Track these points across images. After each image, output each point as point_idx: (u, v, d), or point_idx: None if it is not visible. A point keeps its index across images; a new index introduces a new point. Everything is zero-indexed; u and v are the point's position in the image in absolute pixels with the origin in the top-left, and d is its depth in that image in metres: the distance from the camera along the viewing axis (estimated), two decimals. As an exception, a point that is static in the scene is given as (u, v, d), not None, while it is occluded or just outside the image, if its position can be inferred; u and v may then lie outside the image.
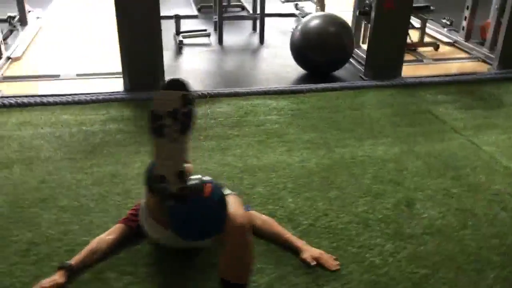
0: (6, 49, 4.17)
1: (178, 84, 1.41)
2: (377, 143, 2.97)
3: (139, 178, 2.53)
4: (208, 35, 4.99)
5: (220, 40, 4.92)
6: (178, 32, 4.87)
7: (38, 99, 3.33)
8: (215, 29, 5.11)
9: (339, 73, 4.15)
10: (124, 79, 3.56)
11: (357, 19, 4.48)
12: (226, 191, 1.81)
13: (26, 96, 3.38)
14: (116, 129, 3.07)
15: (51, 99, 3.35)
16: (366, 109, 3.48)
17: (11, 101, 3.29)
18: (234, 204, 1.66)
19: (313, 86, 3.76)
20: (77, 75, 3.84)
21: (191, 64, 4.37)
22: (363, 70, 4.09)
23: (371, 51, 3.98)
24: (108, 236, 1.99)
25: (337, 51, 4.03)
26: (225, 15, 5.25)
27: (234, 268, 1.58)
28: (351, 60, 4.32)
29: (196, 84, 3.83)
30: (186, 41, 4.82)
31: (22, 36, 4.59)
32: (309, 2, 6.15)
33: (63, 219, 2.19)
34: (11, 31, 4.73)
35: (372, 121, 3.28)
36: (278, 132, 3.08)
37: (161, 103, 1.38)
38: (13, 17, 4.83)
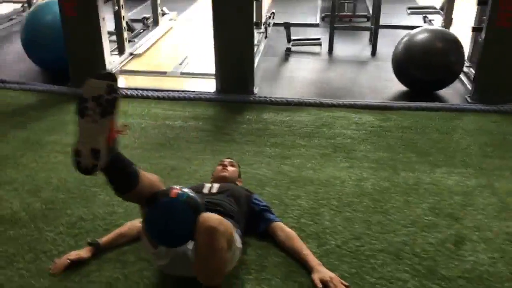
0: (132, 46, 4.68)
1: (108, 76, 1.55)
2: (452, 172, 2.70)
3: (194, 174, 2.69)
4: (320, 44, 4.98)
5: (330, 50, 4.89)
6: (288, 40, 4.95)
7: (139, 92, 3.70)
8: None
9: (444, 92, 3.84)
10: (216, 81, 3.75)
11: (473, 36, 4.09)
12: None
13: (131, 89, 3.77)
14: (194, 126, 3.26)
15: (149, 93, 3.69)
16: (457, 134, 3.16)
17: (125, 92, 3.69)
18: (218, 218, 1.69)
19: (405, 104, 3.54)
20: (181, 73, 4.16)
21: (292, 71, 4.42)
22: (471, 91, 3.72)
23: (481, 71, 3.61)
24: (140, 223, 2.15)
25: (442, 70, 3.72)
26: (339, 25, 5.19)
27: (204, 270, 1.60)
28: (462, 78, 3.96)
29: (287, 91, 3.88)
30: (296, 49, 4.89)
31: (150, 36, 5.10)
32: (438, 15, 5.75)
33: (113, 202, 2.41)
34: (143, 31, 5.29)
35: (458, 148, 2.98)
36: (347, 148, 2.97)
37: (88, 88, 1.52)
38: (147, 18, 5.39)
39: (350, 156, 2.88)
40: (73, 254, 2.00)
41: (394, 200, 2.44)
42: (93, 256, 2.03)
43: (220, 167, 2.42)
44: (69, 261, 1.96)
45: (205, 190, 2.16)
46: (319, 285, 1.88)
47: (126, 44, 4.48)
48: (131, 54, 4.56)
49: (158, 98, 3.66)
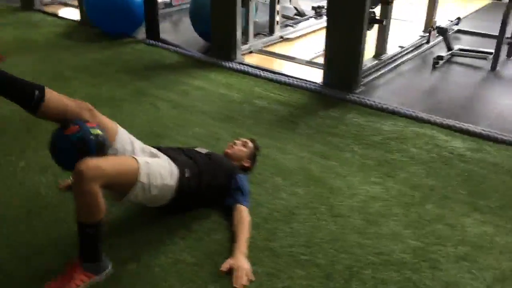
0: (286, 30, 4.93)
1: None
2: (486, 222, 2.22)
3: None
4: (485, 59, 4.35)
5: (493, 67, 4.23)
6: (448, 48, 4.46)
7: (253, 70, 3.97)
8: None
9: None
10: (324, 73, 3.73)
11: None
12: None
13: (250, 66, 4.07)
14: (272, 109, 3.38)
15: (262, 73, 3.92)
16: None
17: (243, 68, 4.03)
18: (112, 161, 1.88)
19: (514, 138, 2.93)
20: (306, 62, 4.23)
21: (427, 81, 4.04)
22: None
23: None
24: None
25: None
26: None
27: (77, 207, 1.77)
28: None
29: (399, 98, 3.60)
30: (454, 59, 4.39)
31: (311, 24, 5.25)
32: None
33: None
34: (312, 18, 5.47)
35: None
36: (395, 166, 2.69)
37: None
38: (321, 7, 5.53)
39: (389, 174, 2.61)
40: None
41: (384, 227, 2.19)
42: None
43: (230, 144, 2.55)
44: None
45: (198, 149, 2.38)
46: (223, 268, 1.91)
47: (277, 26, 4.76)
48: (281, 37, 4.83)
49: (266, 78, 3.87)
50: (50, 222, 2.18)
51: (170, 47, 4.59)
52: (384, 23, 3.72)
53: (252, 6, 4.36)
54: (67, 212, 2.16)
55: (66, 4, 6.34)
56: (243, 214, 2.17)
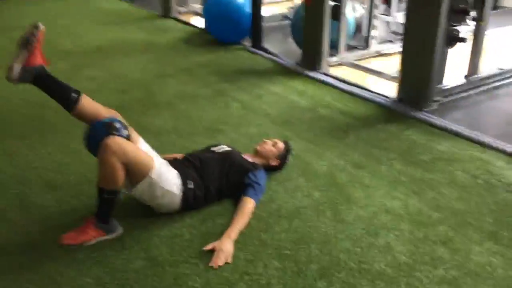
0: (385, 46, 4.88)
1: (36, 26, 2.13)
2: (498, 253, 2.04)
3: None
4: None
5: None
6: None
7: (330, 80, 4.07)
8: None
9: None
10: (397, 89, 3.65)
11: None
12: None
13: (331, 77, 4.16)
14: (333, 119, 3.44)
15: (338, 84, 4.00)
16: None
17: (322, 78, 4.15)
18: (135, 147, 2.19)
19: None
20: (392, 77, 4.14)
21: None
22: None
23: None
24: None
25: None
26: None
27: (99, 175, 2.11)
28: None
29: (474, 124, 3.37)
30: None
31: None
32: None
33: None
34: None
35: None
36: (426, 184, 2.59)
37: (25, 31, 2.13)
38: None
39: (416, 192, 2.53)
40: None
41: (381, 239, 2.15)
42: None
43: (261, 142, 2.71)
44: None
45: (214, 148, 2.59)
46: (206, 248, 2.11)
47: (373, 41, 4.74)
48: (378, 52, 4.79)
49: (341, 89, 3.92)
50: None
51: (267, 54, 4.87)
52: (465, 41, 3.51)
53: (344, 20, 4.43)
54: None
55: (197, 14, 7.04)
56: (247, 205, 2.33)
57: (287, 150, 2.74)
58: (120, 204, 2.26)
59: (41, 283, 1.95)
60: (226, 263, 2.03)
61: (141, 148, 2.30)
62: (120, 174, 2.10)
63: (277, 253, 2.09)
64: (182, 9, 7.03)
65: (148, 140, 2.43)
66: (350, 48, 4.83)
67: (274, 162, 2.68)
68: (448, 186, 2.58)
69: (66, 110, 2.20)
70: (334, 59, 4.51)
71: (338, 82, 4.05)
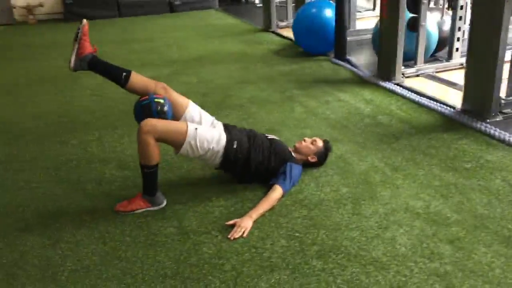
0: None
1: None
2: None
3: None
4: None
5: None
6: None
7: (401, 90, 4.13)
8: None
9: None
10: (462, 100, 3.60)
11: None
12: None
13: (402, 87, 4.22)
14: (390, 126, 3.52)
15: (407, 94, 4.04)
16: None
17: (393, 87, 4.23)
18: (166, 123, 2.53)
19: None
20: (465, 88, 4.07)
21: None
22: None
23: None
24: None
25: None
26: None
27: (138, 152, 2.50)
28: None
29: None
30: None
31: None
32: None
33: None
34: None
35: None
36: (458, 192, 2.59)
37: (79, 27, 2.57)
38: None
39: (445, 195, 2.56)
40: None
41: (389, 232, 2.25)
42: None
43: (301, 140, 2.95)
44: None
45: (267, 134, 2.94)
46: (229, 223, 2.41)
47: (456, 53, 4.65)
48: (461, 64, 4.68)
49: (408, 99, 3.97)
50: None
51: (349, 66, 5.04)
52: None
53: (423, 31, 4.44)
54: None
55: (295, 27, 7.41)
56: (275, 192, 2.58)
57: (326, 149, 2.93)
58: (170, 185, 2.67)
59: (92, 237, 2.41)
60: (242, 237, 2.31)
61: (189, 112, 2.71)
62: (154, 150, 2.49)
63: (287, 235, 2.31)
64: (282, 23, 7.44)
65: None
66: (431, 59, 4.80)
67: (312, 159, 2.89)
68: (479, 192, 2.57)
69: (120, 87, 2.67)
70: (411, 70, 4.53)
71: (407, 91, 4.09)
